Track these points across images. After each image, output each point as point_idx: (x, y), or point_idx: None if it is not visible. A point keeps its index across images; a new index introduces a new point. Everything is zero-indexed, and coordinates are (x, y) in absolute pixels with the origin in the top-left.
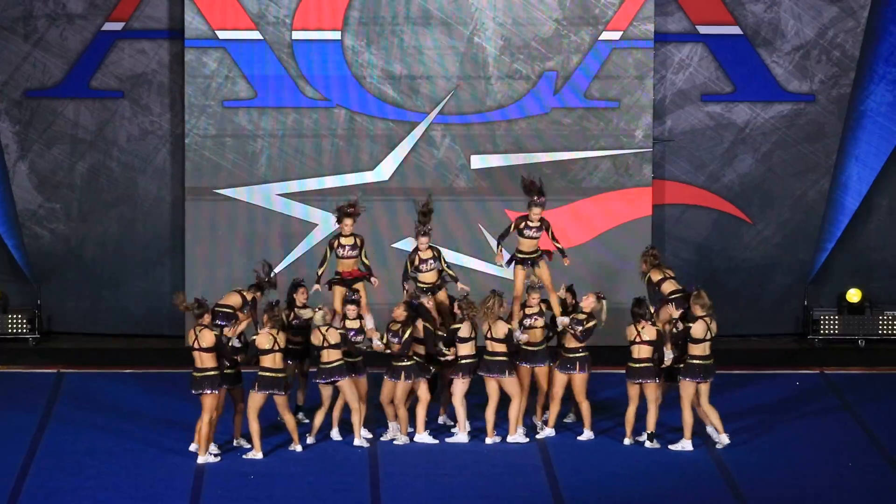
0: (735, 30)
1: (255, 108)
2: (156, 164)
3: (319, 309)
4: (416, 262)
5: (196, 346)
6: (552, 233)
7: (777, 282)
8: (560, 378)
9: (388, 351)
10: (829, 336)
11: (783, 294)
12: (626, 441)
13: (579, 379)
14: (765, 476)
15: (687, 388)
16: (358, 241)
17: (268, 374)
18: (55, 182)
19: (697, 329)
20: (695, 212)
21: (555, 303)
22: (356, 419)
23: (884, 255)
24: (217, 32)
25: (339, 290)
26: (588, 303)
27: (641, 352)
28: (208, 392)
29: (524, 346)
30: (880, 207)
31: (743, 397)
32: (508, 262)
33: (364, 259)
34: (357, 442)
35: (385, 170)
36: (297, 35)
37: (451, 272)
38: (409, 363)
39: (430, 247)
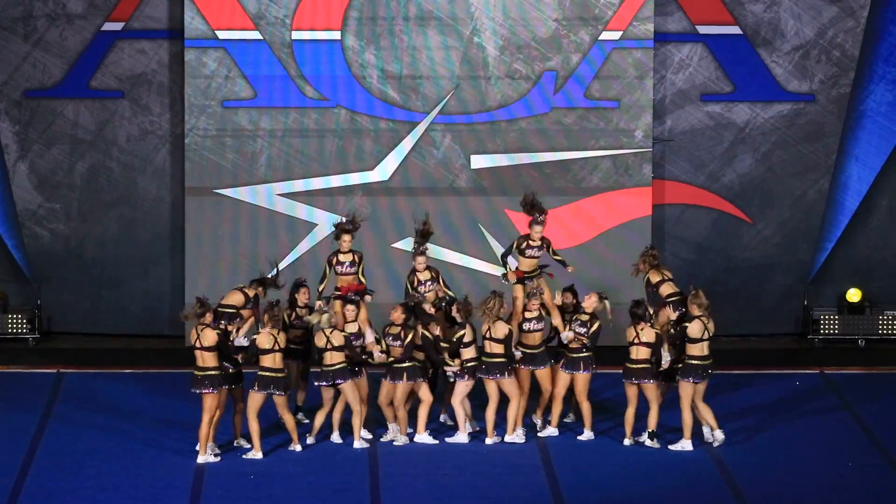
0: (735, 30)
1: (254, 108)
2: (156, 164)
3: (325, 312)
4: (415, 284)
5: (198, 344)
6: (552, 250)
7: (777, 282)
8: (563, 378)
9: (390, 359)
10: (829, 336)
11: (783, 294)
12: (626, 441)
13: (582, 379)
14: (765, 476)
15: (686, 388)
16: (356, 258)
17: (267, 373)
18: (55, 182)
19: (694, 328)
20: (695, 211)
21: (557, 319)
22: (357, 421)
23: (884, 255)
24: (217, 32)
25: (339, 306)
26: (590, 303)
27: (640, 353)
28: (209, 391)
29: (524, 349)
30: (880, 207)
31: (743, 397)
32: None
33: (361, 277)
34: (357, 444)
35: (385, 169)
36: (296, 35)
37: (450, 293)
38: (409, 364)
39: (428, 267)
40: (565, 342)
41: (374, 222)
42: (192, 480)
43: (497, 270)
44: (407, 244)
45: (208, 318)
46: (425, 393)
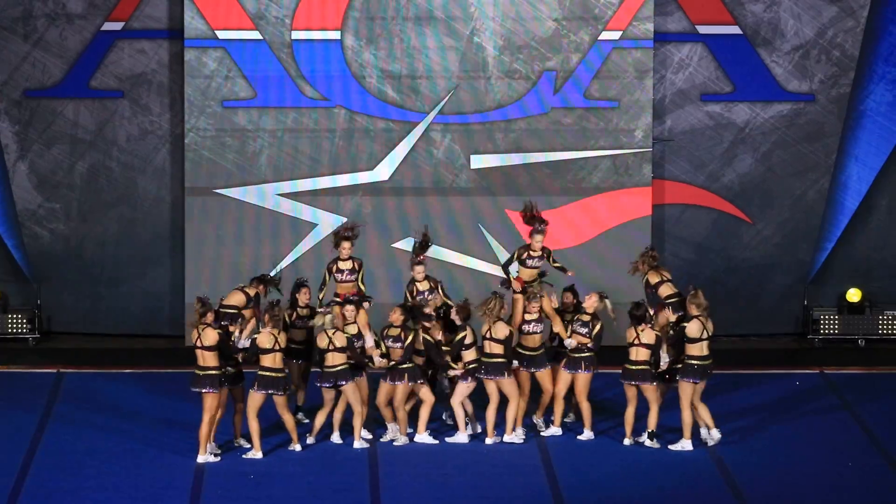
0: (735, 29)
1: (254, 108)
2: (155, 164)
3: (328, 313)
4: (415, 293)
5: (199, 343)
6: (553, 258)
7: (777, 282)
8: (564, 377)
9: (392, 362)
10: (829, 336)
11: (783, 294)
12: (626, 441)
13: (582, 379)
14: (765, 476)
15: (686, 388)
16: (356, 265)
17: (267, 373)
18: (55, 182)
19: (692, 328)
20: (694, 211)
21: (558, 326)
22: (358, 422)
23: (884, 254)
24: (217, 32)
25: (338, 310)
26: (590, 303)
27: (639, 354)
28: (209, 391)
29: (523, 352)
30: (880, 207)
31: (743, 397)
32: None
33: (360, 284)
34: (357, 444)
35: (385, 169)
36: (296, 35)
37: (449, 302)
38: (410, 365)
39: (427, 277)
40: (568, 348)
41: (374, 222)
42: (192, 480)
43: (497, 270)
44: (407, 244)
45: (210, 317)
46: (426, 394)
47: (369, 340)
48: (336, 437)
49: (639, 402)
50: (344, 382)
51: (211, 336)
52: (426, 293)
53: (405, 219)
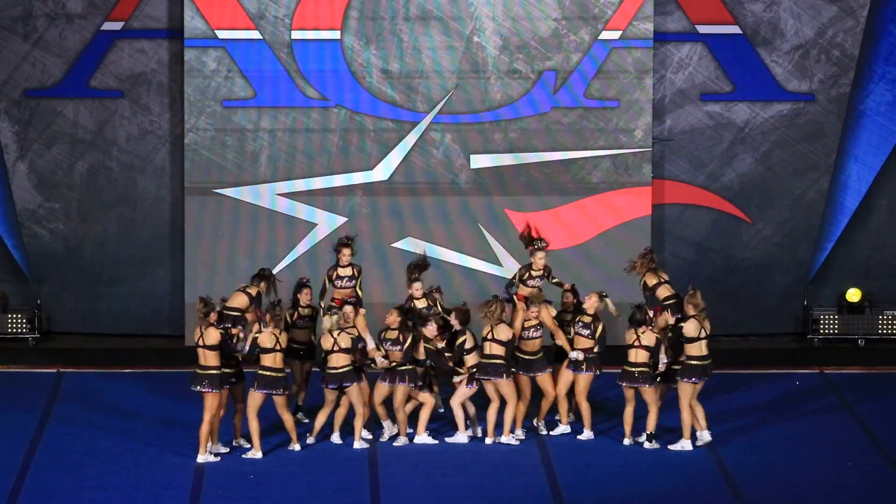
0: (734, 29)
1: (254, 108)
2: (155, 164)
3: (334, 314)
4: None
5: (201, 342)
6: (551, 276)
7: (777, 281)
8: (566, 376)
9: (393, 364)
10: (829, 336)
11: (783, 294)
12: (626, 441)
13: (584, 379)
14: (765, 476)
15: (686, 389)
16: (355, 272)
17: (268, 373)
18: (54, 182)
19: (690, 328)
20: (694, 211)
21: (561, 339)
22: (359, 423)
23: (883, 254)
24: (216, 32)
25: (348, 311)
26: (591, 304)
27: (639, 356)
28: (209, 391)
29: (522, 356)
30: (880, 207)
31: (743, 397)
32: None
33: (358, 290)
34: (357, 445)
35: (385, 169)
36: (296, 34)
37: (446, 317)
38: (409, 367)
39: (425, 295)
40: (574, 360)
41: (374, 222)
42: (192, 480)
43: (497, 269)
44: (407, 244)
45: (213, 317)
46: (426, 396)
47: (370, 343)
48: (336, 438)
49: (638, 402)
50: (349, 384)
51: (213, 335)
52: (424, 310)
53: (404, 218)
